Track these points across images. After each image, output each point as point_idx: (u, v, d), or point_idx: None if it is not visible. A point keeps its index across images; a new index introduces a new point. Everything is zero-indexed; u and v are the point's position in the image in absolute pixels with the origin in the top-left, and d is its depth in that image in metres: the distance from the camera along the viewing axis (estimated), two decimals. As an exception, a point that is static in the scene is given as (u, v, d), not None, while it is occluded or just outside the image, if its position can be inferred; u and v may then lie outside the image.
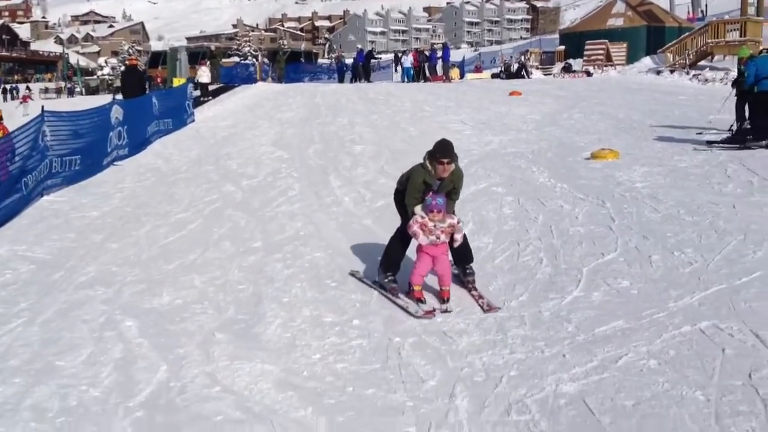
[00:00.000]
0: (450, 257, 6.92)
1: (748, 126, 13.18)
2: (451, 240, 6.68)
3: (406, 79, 39.95)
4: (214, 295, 7.14)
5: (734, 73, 15.47)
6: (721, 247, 7.56)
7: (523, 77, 39.61)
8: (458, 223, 6.73)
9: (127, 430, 4.65)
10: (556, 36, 53.49)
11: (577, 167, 12.17)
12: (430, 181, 6.62)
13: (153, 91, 21.18)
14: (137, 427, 4.70)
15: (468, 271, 7.08)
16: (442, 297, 6.71)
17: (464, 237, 6.89)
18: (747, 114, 13.62)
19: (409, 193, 6.73)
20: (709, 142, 13.49)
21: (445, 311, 6.53)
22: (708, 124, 15.40)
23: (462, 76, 43.42)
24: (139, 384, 5.30)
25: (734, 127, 13.75)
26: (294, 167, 13.59)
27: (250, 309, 6.75)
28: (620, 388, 4.94)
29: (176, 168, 14.46)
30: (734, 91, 14.82)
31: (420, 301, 6.65)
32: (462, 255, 7.05)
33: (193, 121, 22.01)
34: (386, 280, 7.01)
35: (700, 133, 14.64)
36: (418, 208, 6.69)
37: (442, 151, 6.53)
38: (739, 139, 13.04)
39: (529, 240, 8.38)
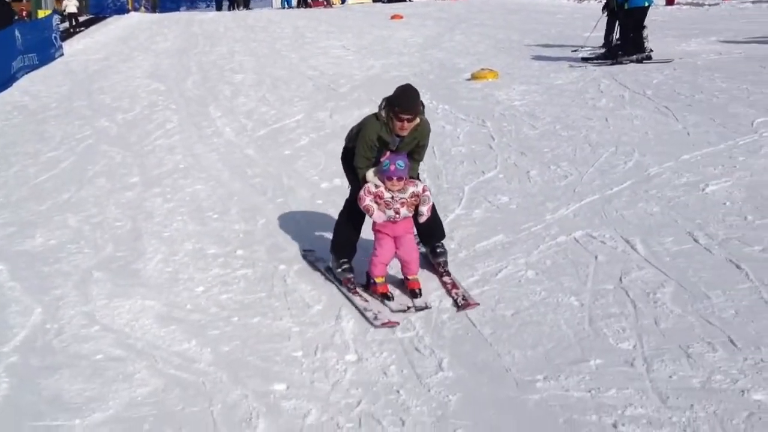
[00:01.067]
0: (415, 232, 5.48)
1: (619, 42, 13.54)
2: (416, 214, 5.20)
3: (286, 6, 39.02)
4: (91, 234, 6.88)
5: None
6: (594, 159, 7.82)
7: (404, 0, 39.32)
8: (424, 191, 5.16)
9: (2, 376, 4.46)
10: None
11: (458, 88, 12.26)
12: (387, 138, 5.13)
13: (15, 24, 19.86)
14: (12, 371, 4.52)
15: (438, 250, 5.62)
16: (411, 289, 5.26)
17: (433, 208, 5.36)
18: (617, 31, 13.97)
19: (360, 152, 5.20)
20: (584, 59, 13.82)
21: (424, 308, 5.10)
22: (583, 41, 15.74)
23: (343, 0, 42.73)
24: (13, 328, 5.09)
25: (606, 46, 14.11)
26: (172, 99, 13.13)
27: (129, 245, 6.54)
28: (500, 299, 5.09)
29: (45, 105, 13.73)
30: (605, 13, 15.16)
31: (385, 296, 5.22)
32: (429, 230, 5.57)
33: (62, 54, 20.87)
34: (339, 270, 5.52)
35: (576, 51, 14.97)
36: (370, 174, 5.14)
37: (403, 102, 4.97)
38: (611, 55, 13.41)
39: (412, 162, 8.42)
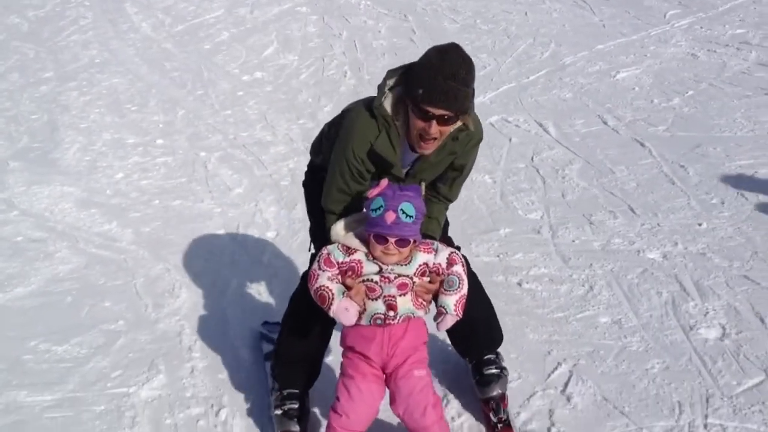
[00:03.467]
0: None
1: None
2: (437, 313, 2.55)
3: None
4: (5, 127, 6.72)
5: None
6: (512, 50, 7.94)
7: None
8: (451, 265, 2.56)
9: None
10: None
11: (381, -16, 12.12)
12: (390, 155, 2.62)
13: None
14: (-71, 255, 4.51)
15: (489, 371, 3.01)
16: None
17: (477, 287, 2.94)
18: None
19: (334, 182, 2.71)
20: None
21: None
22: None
23: None
24: (-72, 216, 5.04)
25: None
26: (85, -4, 12.63)
27: (45, 137, 6.43)
28: (417, 178, 5.25)
29: (-50, 3, 13.06)
30: None
31: None
32: (471, 330, 2.95)
33: (-34, -48, 19.71)
34: (279, 412, 2.97)
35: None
36: (339, 229, 2.61)
37: (435, 83, 2.44)
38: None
39: (334, 55, 8.41)
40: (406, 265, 2.47)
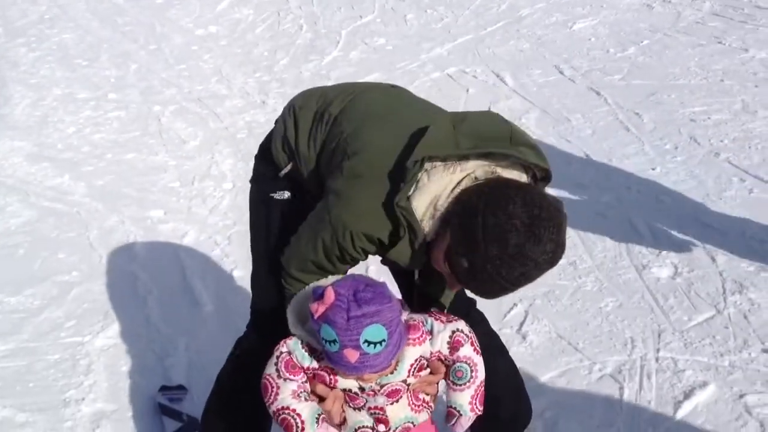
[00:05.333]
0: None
1: None
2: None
3: None
4: (-49, 85, 6.56)
5: None
6: (469, 2, 7.89)
7: None
8: (456, 348, 1.73)
9: None
10: None
11: (338, -61, 11.95)
12: (405, 263, 1.81)
13: None
14: None
15: None
16: None
17: (501, 352, 2.20)
18: None
19: (306, 250, 1.83)
20: None
21: None
22: None
23: None
24: None
25: None
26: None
27: (-7, 94, 6.30)
28: (374, 129, 5.23)
29: None
30: None
31: None
32: (496, 414, 2.00)
33: None
34: None
35: None
36: (293, 321, 1.78)
37: (506, 280, 1.60)
38: None
39: (290, 9, 8.30)
40: (392, 373, 1.70)
